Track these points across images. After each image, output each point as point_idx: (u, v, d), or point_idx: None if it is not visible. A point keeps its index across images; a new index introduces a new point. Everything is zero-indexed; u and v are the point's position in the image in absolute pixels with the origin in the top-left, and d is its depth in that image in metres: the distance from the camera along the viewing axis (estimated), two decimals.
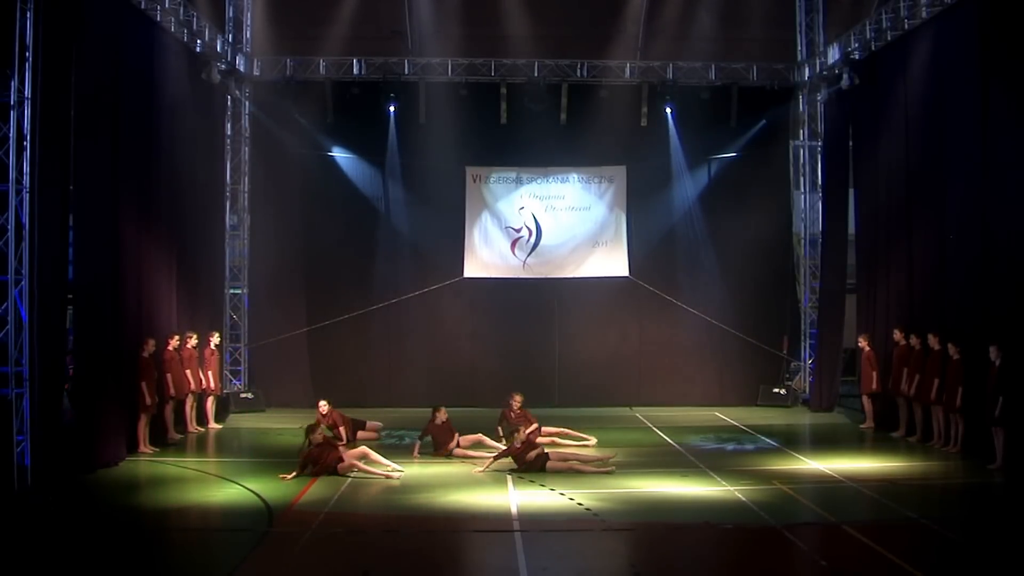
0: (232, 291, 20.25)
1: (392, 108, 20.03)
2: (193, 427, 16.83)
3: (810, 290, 21.04)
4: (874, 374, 17.29)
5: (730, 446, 15.80)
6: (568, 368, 20.13)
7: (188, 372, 16.29)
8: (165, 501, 12.05)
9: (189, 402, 16.71)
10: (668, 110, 20.26)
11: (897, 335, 16.42)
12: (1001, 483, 12.87)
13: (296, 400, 19.83)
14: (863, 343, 17.60)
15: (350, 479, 13.06)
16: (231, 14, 19.88)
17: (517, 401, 15.85)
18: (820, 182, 20.95)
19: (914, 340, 15.81)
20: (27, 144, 12.22)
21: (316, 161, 20.57)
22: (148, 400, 14.84)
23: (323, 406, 15.54)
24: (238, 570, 9.25)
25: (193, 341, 16.52)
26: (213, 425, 17.62)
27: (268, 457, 15.12)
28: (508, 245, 20.86)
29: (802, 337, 21.11)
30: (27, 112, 12.19)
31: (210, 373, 17.46)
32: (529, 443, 13.82)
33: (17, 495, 11.69)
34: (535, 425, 15.20)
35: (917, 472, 13.76)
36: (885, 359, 17.08)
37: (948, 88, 15.41)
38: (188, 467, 13.97)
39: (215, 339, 17.94)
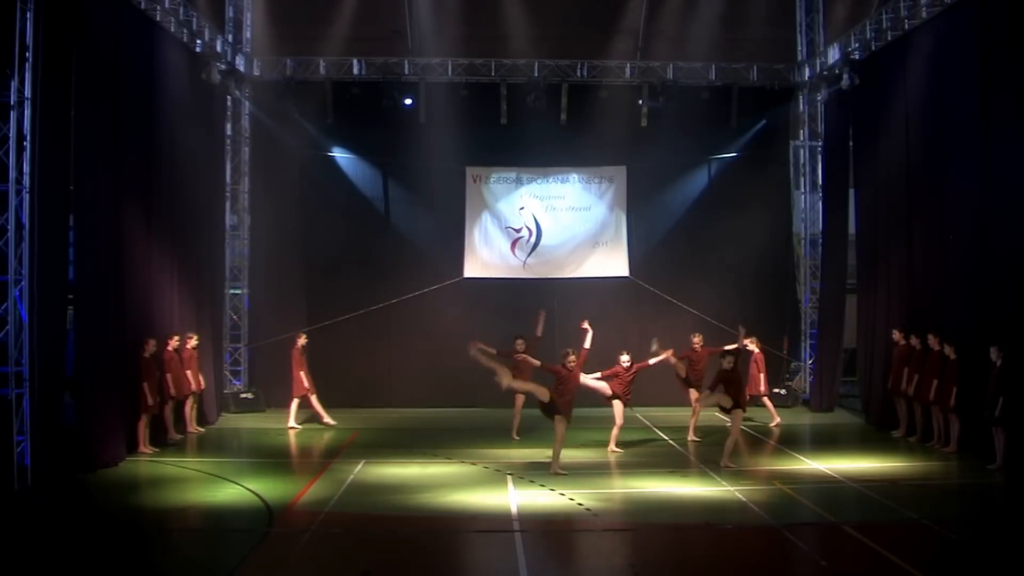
0: (232, 291, 20.26)
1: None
2: (193, 427, 16.83)
3: (810, 290, 21.05)
4: (761, 376, 17.37)
5: None
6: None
7: (188, 372, 16.31)
8: (165, 501, 12.06)
9: (189, 402, 16.72)
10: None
11: (896, 335, 16.41)
12: (1001, 483, 12.86)
13: None
14: (752, 344, 17.34)
15: (352, 477, 13.13)
16: (231, 14, 19.89)
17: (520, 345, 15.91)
18: (820, 182, 20.97)
19: (914, 340, 15.82)
20: (27, 144, 12.24)
21: (316, 161, 20.58)
22: (150, 400, 14.84)
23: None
24: (238, 570, 9.26)
25: (194, 341, 16.54)
26: (327, 420, 17.71)
27: (268, 457, 15.14)
28: (508, 245, 20.86)
29: (802, 337, 21.12)
30: (27, 112, 12.20)
31: (301, 374, 17.48)
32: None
33: (17, 495, 11.70)
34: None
35: (917, 472, 13.76)
36: (885, 359, 17.09)
37: (948, 88, 15.40)
38: (188, 467, 13.97)
39: (303, 340, 17.78)
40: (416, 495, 12.28)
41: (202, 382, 16.94)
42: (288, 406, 17.54)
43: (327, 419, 17.65)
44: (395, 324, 20.29)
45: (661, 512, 11.63)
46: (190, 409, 16.78)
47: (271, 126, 20.25)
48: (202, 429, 17.11)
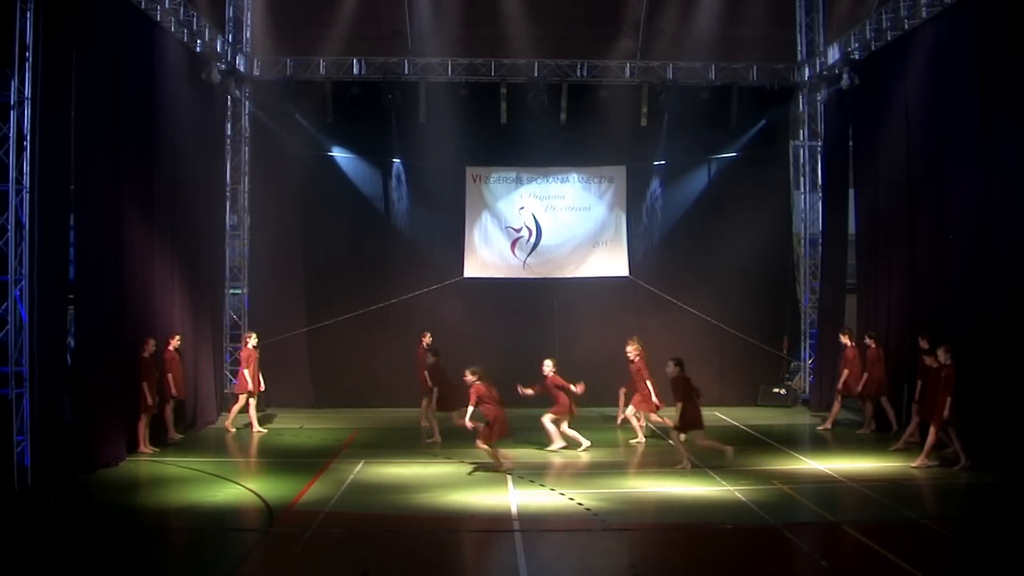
0: (232, 291, 20.25)
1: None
2: (257, 428, 17.14)
3: (810, 290, 21.05)
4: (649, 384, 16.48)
5: None
6: (568, 368, 20.03)
7: (256, 372, 17.00)
8: (165, 501, 12.06)
9: (252, 402, 17.15)
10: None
11: (843, 338, 17.25)
12: (1002, 483, 12.82)
13: (296, 400, 19.86)
14: (632, 350, 16.52)
15: (352, 477, 13.12)
16: (231, 14, 19.88)
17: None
18: (820, 182, 20.97)
19: (868, 340, 16.64)
20: (27, 144, 12.23)
21: (316, 161, 20.58)
22: (149, 400, 14.84)
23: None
24: (238, 570, 9.27)
25: (253, 340, 17.11)
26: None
27: (268, 457, 15.15)
28: (508, 245, 20.87)
29: (802, 337, 21.13)
30: (27, 112, 12.19)
31: (425, 373, 17.40)
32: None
33: (17, 495, 11.69)
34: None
35: (916, 472, 13.74)
36: (885, 360, 17.08)
37: (948, 88, 15.39)
38: (188, 467, 13.98)
39: (427, 338, 17.94)
40: (416, 495, 12.28)
41: (262, 383, 17.41)
42: (422, 405, 17.66)
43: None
44: (395, 324, 20.29)
45: (661, 512, 11.64)
46: (253, 409, 17.15)
47: (271, 126, 20.25)
48: (264, 429, 17.25)
